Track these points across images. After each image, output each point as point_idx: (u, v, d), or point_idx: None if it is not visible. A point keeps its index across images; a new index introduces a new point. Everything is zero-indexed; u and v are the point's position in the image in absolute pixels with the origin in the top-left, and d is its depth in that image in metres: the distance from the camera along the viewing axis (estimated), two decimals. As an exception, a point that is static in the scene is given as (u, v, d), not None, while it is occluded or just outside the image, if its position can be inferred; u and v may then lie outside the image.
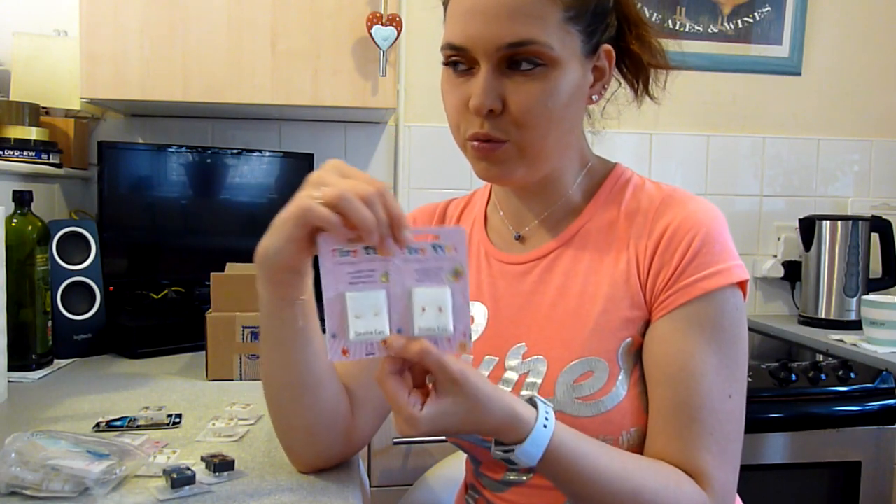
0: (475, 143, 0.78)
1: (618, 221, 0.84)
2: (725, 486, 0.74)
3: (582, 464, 0.69)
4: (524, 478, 0.84)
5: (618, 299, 0.80)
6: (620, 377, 0.78)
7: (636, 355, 0.79)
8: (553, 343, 0.81)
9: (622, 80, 0.89)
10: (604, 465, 0.70)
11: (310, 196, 0.64)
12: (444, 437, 0.91)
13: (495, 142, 0.77)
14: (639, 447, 0.78)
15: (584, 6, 0.77)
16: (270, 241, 0.67)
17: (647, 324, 0.80)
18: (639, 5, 0.85)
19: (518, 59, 0.75)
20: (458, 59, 0.78)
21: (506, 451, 0.68)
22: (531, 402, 0.70)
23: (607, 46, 0.81)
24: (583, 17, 0.77)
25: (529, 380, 0.81)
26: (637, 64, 0.86)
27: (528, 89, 0.75)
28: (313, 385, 0.78)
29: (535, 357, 0.81)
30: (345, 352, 0.65)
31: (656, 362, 0.77)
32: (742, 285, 0.78)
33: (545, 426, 0.68)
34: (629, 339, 0.79)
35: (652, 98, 0.89)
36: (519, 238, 0.89)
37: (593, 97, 0.83)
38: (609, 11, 0.81)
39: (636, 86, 0.89)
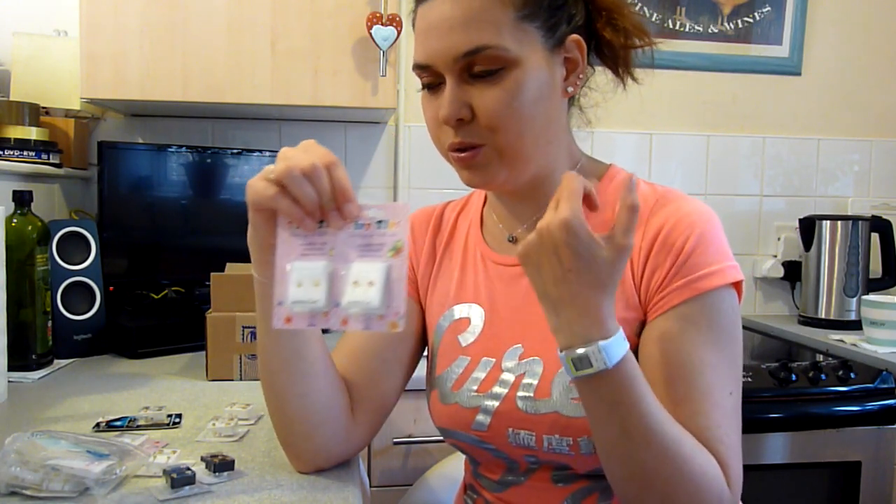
0: (455, 153, 0.80)
1: (612, 222, 0.83)
2: (739, 478, 0.75)
3: (642, 390, 0.69)
4: (522, 478, 0.84)
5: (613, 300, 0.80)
6: None
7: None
8: (549, 344, 0.80)
9: (604, 67, 0.88)
10: (656, 403, 0.70)
11: (262, 177, 0.68)
12: (442, 438, 0.91)
13: (473, 148, 0.78)
14: None
15: (536, 3, 0.77)
16: (250, 223, 0.72)
17: (642, 324, 0.80)
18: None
19: (477, 66, 0.76)
20: (428, 77, 0.80)
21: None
22: None
23: (575, 36, 0.80)
24: (538, 14, 0.77)
25: (526, 381, 0.81)
26: (612, 49, 0.86)
27: (491, 93, 0.76)
28: (305, 372, 0.78)
29: (532, 358, 0.81)
30: (288, 320, 0.66)
31: (655, 362, 0.77)
32: (737, 286, 0.78)
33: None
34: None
35: (634, 79, 0.88)
36: (512, 240, 0.89)
37: (569, 89, 0.82)
38: (569, 2, 0.80)
39: (617, 70, 0.88)
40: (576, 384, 0.69)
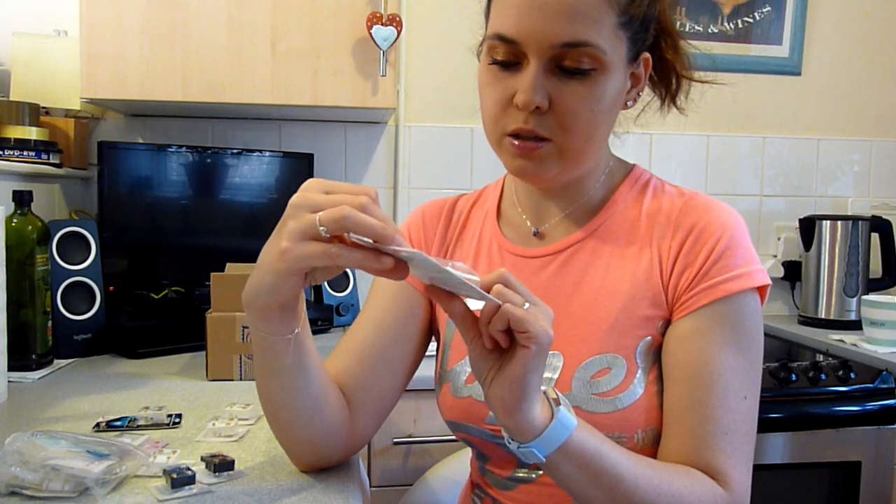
0: (515, 139, 0.77)
1: (639, 221, 0.84)
2: (742, 485, 0.74)
3: (601, 452, 0.69)
4: (533, 475, 0.83)
5: (638, 297, 0.80)
6: (638, 375, 0.78)
7: (655, 354, 0.80)
8: (570, 339, 0.81)
9: (650, 88, 0.90)
10: (619, 456, 0.70)
11: (307, 226, 0.61)
12: (451, 432, 0.90)
13: (538, 139, 0.77)
14: (653, 446, 0.78)
15: (635, 13, 0.77)
16: (264, 279, 0.65)
17: (667, 323, 0.80)
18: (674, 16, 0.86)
19: (568, 60, 0.74)
20: (506, 54, 0.76)
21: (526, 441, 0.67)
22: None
23: (646, 54, 0.82)
24: (632, 24, 0.77)
25: (545, 375, 0.80)
26: (668, 72, 0.88)
27: (576, 91, 0.75)
28: (310, 407, 0.77)
29: (551, 352, 0.81)
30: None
31: (676, 361, 0.78)
32: (761, 290, 0.79)
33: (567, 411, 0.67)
34: (649, 338, 0.79)
35: (679, 110, 0.90)
36: (537, 234, 0.89)
37: (628, 103, 0.84)
38: (653, 21, 0.81)
39: (664, 95, 0.90)
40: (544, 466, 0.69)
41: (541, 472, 0.83)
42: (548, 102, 0.75)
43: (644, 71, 0.83)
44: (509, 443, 0.68)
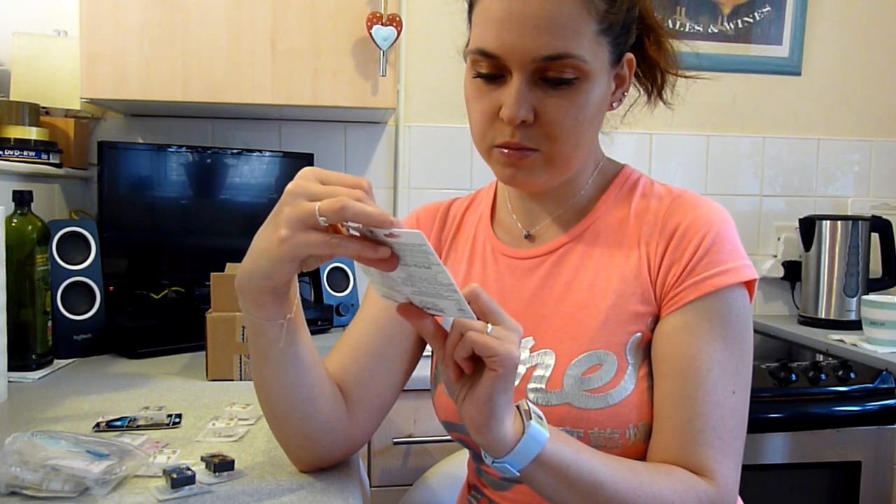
0: (504, 150, 0.78)
1: (628, 220, 0.85)
2: (728, 481, 0.75)
3: (578, 461, 0.69)
4: None
5: (628, 294, 0.81)
6: (628, 371, 0.79)
7: (645, 351, 0.80)
8: (561, 336, 0.82)
9: (637, 85, 0.90)
10: (596, 463, 0.71)
11: (306, 215, 0.62)
12: (446, 432, 0.90)
13: (526, 149, 0.78)
14: (645, 442, 0.79)
15: (615, 19, 0.77)
16: (258, 264, 0.67)
17: (656, 319, 0.81)
18: (657, 12, 0.86)
19: (551, 72, 0.75)
20: (489, 67, 0.77)
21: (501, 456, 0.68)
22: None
23: (629, 55, 0.82)
24: (613, 30, 0.77)
25: (537, 373, 0.81)
26: (653, 69, 0.88)
27: (560, 102, 0.76)
28: (305, 398, 0.77)
29: (543, 350, 0.82)
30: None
31: (664, 356, 0.78)
32: (749, 285, 0.80)
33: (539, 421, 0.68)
34: (638, 334, 0.80)
35: (666, 103, 0.90)
36: (528, 236, 0.90)
37: (614, 104, 0.85)
38: (634, 21, 0.82)
39: (650, 90, 0.90)
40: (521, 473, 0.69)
41: None
42: (533, 115, 0.76)
43: (628, 71, 0.83)
44: (485, 458, 0.69)
